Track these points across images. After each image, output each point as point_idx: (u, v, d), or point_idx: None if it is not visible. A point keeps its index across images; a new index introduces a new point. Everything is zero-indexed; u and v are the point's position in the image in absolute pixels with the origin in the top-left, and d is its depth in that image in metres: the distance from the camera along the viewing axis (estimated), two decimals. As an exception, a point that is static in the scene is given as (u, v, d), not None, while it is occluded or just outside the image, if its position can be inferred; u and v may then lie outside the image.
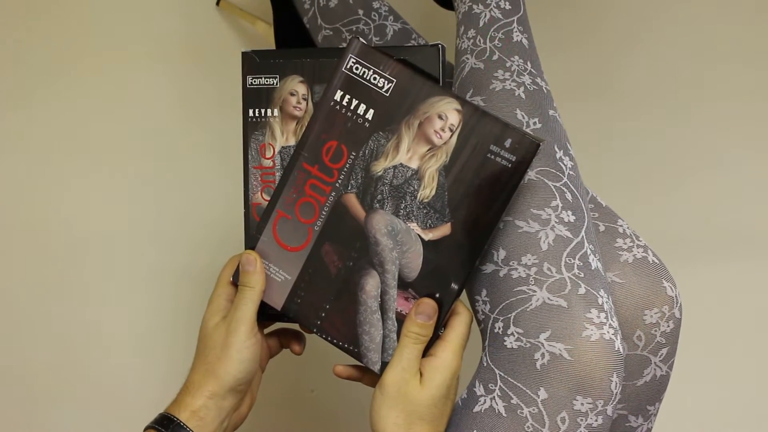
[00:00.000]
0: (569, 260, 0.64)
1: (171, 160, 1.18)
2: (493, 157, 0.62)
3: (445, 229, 0.64)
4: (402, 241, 0.65)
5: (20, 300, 1.14)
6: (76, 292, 1.15)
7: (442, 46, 0.69)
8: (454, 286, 0.64)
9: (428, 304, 0.64)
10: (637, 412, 0.71)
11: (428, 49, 0.69)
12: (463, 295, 0.67)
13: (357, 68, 0.65)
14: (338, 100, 0.66)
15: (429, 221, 0.65)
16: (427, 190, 0.65)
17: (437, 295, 0.65)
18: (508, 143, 0.62)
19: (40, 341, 1.14)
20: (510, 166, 0.62)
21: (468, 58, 0.76)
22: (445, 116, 0.63)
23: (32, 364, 1.14)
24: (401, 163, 0.65)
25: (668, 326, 0.69)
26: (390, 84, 0.64)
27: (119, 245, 1.16)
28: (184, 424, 0.66)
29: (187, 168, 1.18)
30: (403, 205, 0.65)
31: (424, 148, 0.64)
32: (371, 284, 0.66)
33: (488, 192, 0.63)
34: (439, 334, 0.66)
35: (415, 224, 0.65)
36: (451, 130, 0.63)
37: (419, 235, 0.65)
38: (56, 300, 1.14)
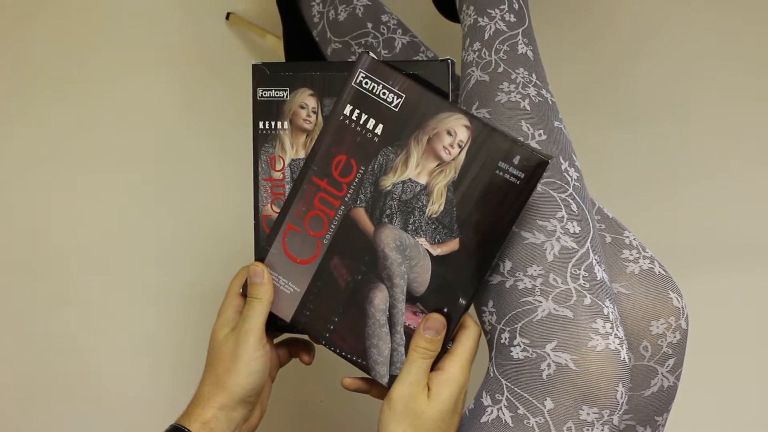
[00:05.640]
0: (575, 271, 0.65)
1: (181, 173, 1.18)
2: (501, 173, 0.63)
3: (453, 245, 0.65)
4: (410, 255, 0.66)
5: (27, 312, 1.14)
6: (85, 305, 1.15)
7: (452, 61, 0.69)
8: (462, 301, 0.65)
9: (437, 320, 0.64)
10: (645, 422, 0.71)
11: (437, 64, 0.69)
12: (471, 308, 0.68)
13: (366, 83, 0.65)
14: (348, 114, 0.66)
15: (437, 236, 0.65)
16: (435, 206, 0.65)
17: (445, 310, 0.65)
18: (516, 160, 0.62)
19: (49, 354, 1.14)
20: (518, 183, 0.62)
21: (473, 71, 0.77)
22: (453, 132, 0.64)
23: (41, 378, 1.14)
24: (410, 179, 0.65)
25: (675, 337, 0.70)
26: (399, 99, 0.65)
27: (129, 257, 1.16)
28: (194, 435, 0.66)
29: (197, 180, 1.18)
30: (411, 220, 0.65)
31: (432, 164, 0.65)
32: (380, 298, 0.67)
33: (496, 208, 0.63)
34: (447, 348, 0.66)
35: (423, 239, 0.65)
36: (459, 146, 0.64)
37: (428, 250, 0.65)
38: (66, 313, 1.14)
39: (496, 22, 0.78)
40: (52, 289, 1.14)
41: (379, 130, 0.66)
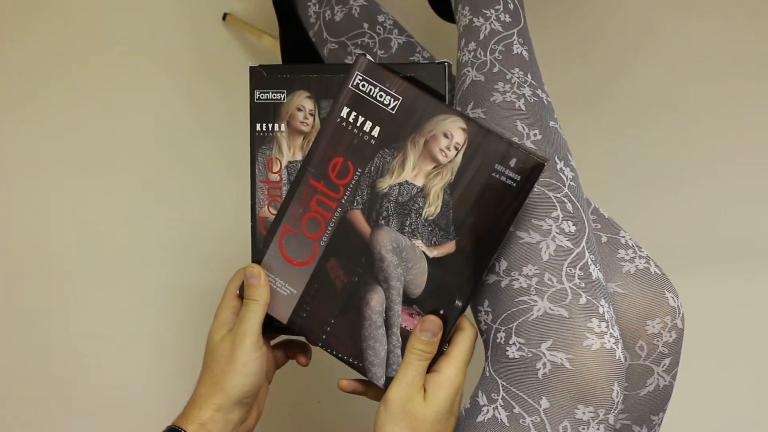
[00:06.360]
0: (570, 270, 0.65)
1: (178, 174, 1.18)
2: (497, 176, 0.63)
3: (449, 247, 0.65)
4: (407, 257, 0.66)
5: (27, 313, 1.14)
6: (85, 306, 1.15)
7: (448, 63, 0.69)
8: (459, 303, 0.65)
9: (433, 322, 0.65)
10: (641, 422, 0.71)
11: (434, 67, 0.69)
12: (468, 310, 0.68)
13: (363, 85, 0.65)
14: (344, 116, 0.66)
15: (434, 238, 0.65)
16: (432, 208, 0.65)
17: (442, 312, 0.65)
18: (512, 162, 0.62)
19: (48, 355, 1.14)
20: (514, 185, 0.62)
21: (469, 71, 0.77)
22: (450, 135, 0.64)
23: (40, 378, 1.14)
24: (407, 181, 0.65)
25: (670, 336, 0.70)
26: (396, 101, 0.65)
27: (128, 259, 1.16)
28: (191, 436, 0.66)
29: (194, 181, 1.18)
30: (408, 222, 0.66)
31: (429, 166, 0.65)
32: (376, 300, 0.67)
33: (492, 211, 0.63)
34: (443, 350, 0.66)
35: (420, 241, 0.65)
36: (456, 148, 0.64)
37: (424, 252, 0.65)
38: (65, 314, 1.14)
39: (492, 22, 0.78)
40: (51, 290, 1.14)
41: (375, 132, 0.66)
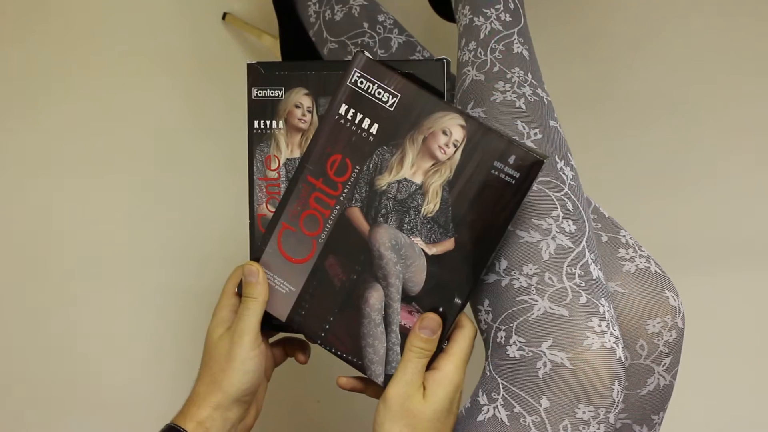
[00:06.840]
0: (570, 269, 0.65)
1: (177, 173, 1.18)
2: (496, 173, 0.63)
3: (448, 244, 0.65)
4: (406, 255, 0.66)
5: (26, 312, 1.14)
6: (85, 306, 1.15)
7: (447, 60, 0.69)
8: (458, 300, 0.65)
9: (432, 319, 0.64)
10: (642, 421, 0.71)
11: (433, 64, 0.69)
12: (467, 308, 0.68)
13: (361, 82, 0.65)
14: (343, 113, 0.66)
15: (433, 236, 0.65)
16: (431, 205, 0.65)
17: (441, 309, 0.65)
18: (512, 160, 0.62)
19: (49, 355, 1.14)
20: (513, 182, 0.62)
21: (469, 70, 0.77)
22: (449, 132, 0.64)
23: (40, 378, 1.14)
24: (405, 178, 0.65)
25: (671, 336, 0.70)
26: (394, 99, 0.65)
27: (128, 258, 1.16)
28: (189, 435, 0.66)
29: (193, 179, 1.18)
30: (407, 219, 0.65)
31: (428, 163, 0.65)
32: (375, 297, 0.67)
33: (492, 208, 0.63)
34: (443, 347, 0.66)
35: (418, 239, 0.65)
36: (455, 145, 0.63)
37: (423, 250, 0.65)
38: (65, 313, 1.14)
39: (492, 21, 0.78)
40: (51, 289, 1.14)
41: (374, 129, 0.65)
